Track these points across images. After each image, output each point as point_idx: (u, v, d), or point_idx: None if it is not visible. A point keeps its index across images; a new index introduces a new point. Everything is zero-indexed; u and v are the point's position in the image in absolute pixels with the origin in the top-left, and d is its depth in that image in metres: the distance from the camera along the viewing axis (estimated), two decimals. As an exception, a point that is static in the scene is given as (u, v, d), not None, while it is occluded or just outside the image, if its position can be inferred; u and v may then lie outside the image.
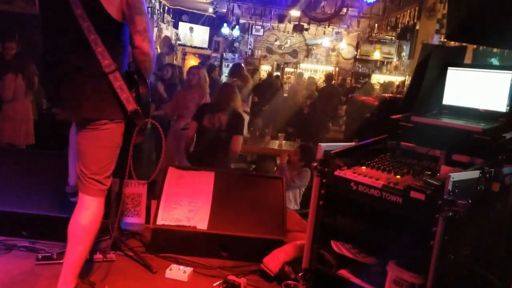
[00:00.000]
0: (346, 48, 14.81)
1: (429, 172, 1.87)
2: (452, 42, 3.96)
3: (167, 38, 9.28)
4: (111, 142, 2.12)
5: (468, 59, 3.48)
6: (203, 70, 5.07)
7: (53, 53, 2.07)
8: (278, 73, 13.29)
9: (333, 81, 10.48)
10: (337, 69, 14.58)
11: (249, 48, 15.07)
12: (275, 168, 5.27)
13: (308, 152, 4.21)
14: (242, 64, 8.41)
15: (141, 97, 2.08)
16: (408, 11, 8.17)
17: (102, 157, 2.11)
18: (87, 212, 2.09)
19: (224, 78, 11.35)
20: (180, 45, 13.78)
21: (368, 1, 8.42)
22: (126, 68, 2.17)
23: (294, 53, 15.18)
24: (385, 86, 9.81)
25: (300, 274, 2.15)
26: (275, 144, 5.82)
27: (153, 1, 10.26)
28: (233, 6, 11.17)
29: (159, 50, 8.28)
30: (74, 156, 2.37)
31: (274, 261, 2.54)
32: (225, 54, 14.66)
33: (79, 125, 2.13)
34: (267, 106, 8.33)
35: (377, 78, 13.05)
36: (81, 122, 2.10)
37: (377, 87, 10.94)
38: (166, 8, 12.25)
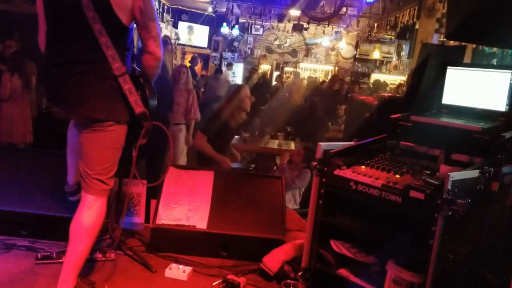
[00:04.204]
0: (345, 47, 14.82)
1: (429, 172, 1.87)
2: (452, 42, 3.97)
3: (165, 37, 9.32)
4: (115, 143, 2.13)
5: (467, 59, 3.48)
6: (188, 68, 5.20)
7: (62, 54, 2.06)
8: (278, 73, 13.31)
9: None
10: (336, 68, 14.59)
11: (249, 48, 15.07)
12: (275, 168, 5.27)
13: (312, 154, 4.19)
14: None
15: (148, 99, 2.09)
16: (408, 10, 8.17)
17: (106, 158, 2.12)
18: (90, 212, 2.10)
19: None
20: (179, 44, 13.78)
21: (368, 1, 8.41)
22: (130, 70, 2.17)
23: (293, 52, 15.18)
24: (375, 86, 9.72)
25: (299, 273, 2.15)
26: (274, 144, 5.83)
27: (153, 0, 10.25)
28: (233, 5, 11.18)
29: None
30: (72, 156, 2.37)
31: (273, 260, 2.54)
32: (225, 54, 14.68)
33: (83, 126, 2.13)
34: (266, 106, 8.35)
35: (377, 78, 13.05)
36: (86, 122, 2.10)
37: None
38: (166, 7, 12.24)
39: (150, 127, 2.12)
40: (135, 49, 2.25)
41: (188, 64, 11.11)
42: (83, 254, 2.09)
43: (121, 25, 2.04)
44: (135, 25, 2.13)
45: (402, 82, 10.78)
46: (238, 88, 4.38)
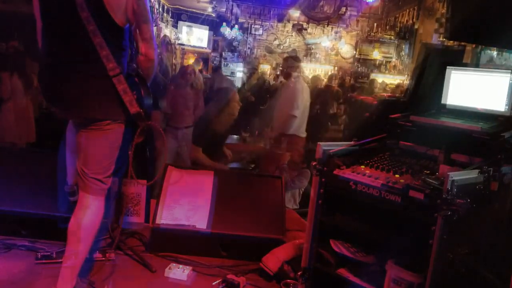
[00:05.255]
0: (345, 47, 14.81)
1: (428, 172, 1.87)
2: (451, 42, 3.97)
3: (164, 37, 9.34)
4: (112, 142, 2.13)
5: (467, 59, 3.48)
6: (194, 69, 5.18)
7: (57, 54, 2.07)
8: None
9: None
10: (336, 68, 14.58)
11: (248, 48, 15.07)
12: (275, 168, 5.26)
13: (312, 154, 4.11)
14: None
15: (143, 99, 2.11)
16: (407, 10, 8.19)
17: (103, 157, 2.13)
18: (88, 211, 2.10)
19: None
20: (179, 44, 13.78)
21: (367, 1, 8.42)
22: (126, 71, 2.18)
23: (293, 52, 15.17)
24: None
25: (299, 273, 2.15)
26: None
27: (152, 1, 10.25)
28: (233, 5, 11.18)
29: None
30: (72, 156, 2.37)
31: (273, 260, 2.54)
32: (224, 54, 14.68)
33: (80, 125, 2.14)
34: (266, 106, 8.34)
35: (376, 78, 13.05)
36: (83, 122, 2.11)
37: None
38: (165, 7, 12.24)
39: (145, 127, 2.12)
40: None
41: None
42: (82, 253, 2.10)
43: (115, 25, 2.04)
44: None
45: (401, 82, 10.82)
46: (225, 93, 4.33)
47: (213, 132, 4.02)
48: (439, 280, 1.65)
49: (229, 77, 11.82)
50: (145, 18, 2.09)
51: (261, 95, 8.46)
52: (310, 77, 11.61)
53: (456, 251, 1.70)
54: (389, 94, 9.04)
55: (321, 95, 7.76)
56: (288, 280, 2.41)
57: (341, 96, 7.75)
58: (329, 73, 12.87)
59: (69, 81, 2.05)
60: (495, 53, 6.14)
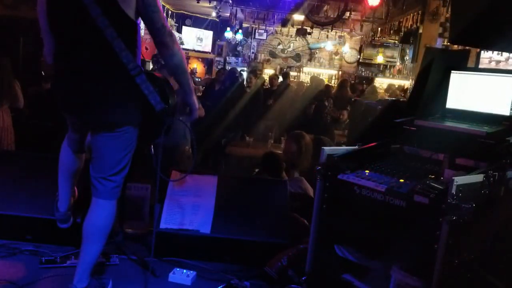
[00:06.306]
0: (349, 51, 14.85)
1: (433, 176, 1.86)
2: (456, 46, 3.97)
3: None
4: (130, 144, 2.14)
5: (471, 63, 3.48)
6: None
7: (72, 60, 2.03)
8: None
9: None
10: (340, 73, 14.61)
11: (252, 52, 15.13)
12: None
13: (302, 138, 3.81)
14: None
15: (167, 96, 2.08)
16: (411, 14, 8.19)
17: (120, 160, 2.13)
18: (104, 213, 2.14)
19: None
20: (183, 49, 13.83)
21: (371, 5, 8.42)
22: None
23: (297, 57, 15.21)
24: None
25: (303, 278, 2.14)
26: (278, 148, 5.82)
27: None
28: (236, 10, 11.23)
29: None
30: (65, 180, 2.39)
31: (277, 264, 2.53)
32: (228, 58, 14.75)
33: (99, 130, 2.11)
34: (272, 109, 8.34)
35: (380, 82, 13.06)
36: (103, 127, 2.09)
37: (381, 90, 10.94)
38: (170, 12, 12.32)
39: (171, 124, 2.12)
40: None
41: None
42: (96, 253, 2.15)
43: (130, 20, 1.99)
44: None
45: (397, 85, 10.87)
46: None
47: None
48: (444, 286, 1.64)
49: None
50: (156, 8, 2.04)
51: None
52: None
53: (462, 256, 1.69)
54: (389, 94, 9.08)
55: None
56: (292, 285, 2.40)
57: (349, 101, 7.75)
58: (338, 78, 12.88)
59: (91, 88, 2.01)
60: (495, 52, 6.15)
